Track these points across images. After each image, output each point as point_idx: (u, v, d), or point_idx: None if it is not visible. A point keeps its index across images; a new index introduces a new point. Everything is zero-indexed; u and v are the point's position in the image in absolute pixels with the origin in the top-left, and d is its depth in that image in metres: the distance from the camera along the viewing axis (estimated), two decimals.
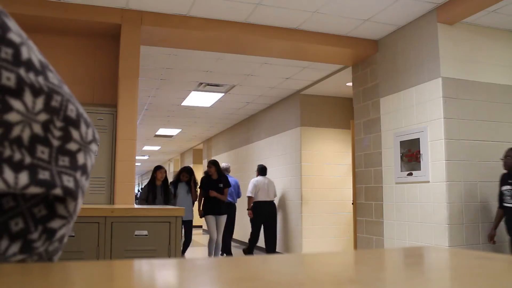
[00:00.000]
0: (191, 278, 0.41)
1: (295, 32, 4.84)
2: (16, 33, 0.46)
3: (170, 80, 6.70)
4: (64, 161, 0.48)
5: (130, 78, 4.32)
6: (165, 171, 6.29)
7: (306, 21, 4.61)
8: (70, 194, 0.48)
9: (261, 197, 7.28)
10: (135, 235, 2.63)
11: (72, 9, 4.15)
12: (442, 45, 4.29)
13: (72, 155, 0.49)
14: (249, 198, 7.36)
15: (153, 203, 6.05)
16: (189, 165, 7.15)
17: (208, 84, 6.98)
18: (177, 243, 2.72)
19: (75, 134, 0.49)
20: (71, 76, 4.50)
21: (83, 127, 0.51)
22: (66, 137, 0.48)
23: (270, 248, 7.34)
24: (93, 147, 0.53)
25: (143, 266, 0.48)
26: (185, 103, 8.19)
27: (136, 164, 6.04)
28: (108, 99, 4.51)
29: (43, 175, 0.45)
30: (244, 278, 0.40)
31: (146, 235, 2.65)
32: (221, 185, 6.71)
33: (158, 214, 2.79)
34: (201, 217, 6.79)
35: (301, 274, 0.45)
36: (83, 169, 0.50)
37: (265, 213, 7.28)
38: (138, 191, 15.04)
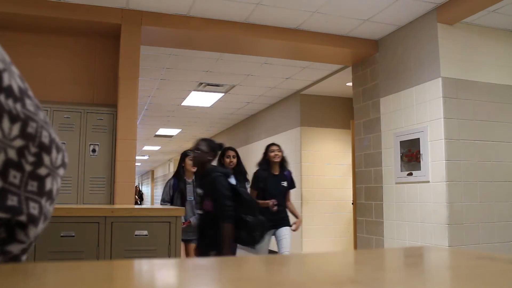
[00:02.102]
0: (191, 278, 0.41)
1: (295, 32, 4.84)
2: (0, 59, 0.47)
3: (170, 80, 6.69)
4: (33, 186, 0.49)
5: (130, 78, 4.32)
6: None
7: (306, 21, 4.61)
8: (33, 222, 0.50)
9: None
10: (135, 235, 2.63)
11: (72, 9, 4.14)
12: (442, 45, 4.29)
13: (41, 180, 0.50)
14: None
15: (182, 206, 4.15)
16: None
17: (208, 84, 6.98)
18: (177, 243, 2.72)
19: (46, 159, 0.51)
20: (71, 76, 4.50)
21: (54, 153, 0.52)
22: (38, 163, 0.50)
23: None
24: (61, 171, 0.54)
25: (143, 266, 0.48)
26: (185, 103, 8.19)
27: (136, 164, 6.03)
28: (108, 99, 4.51)
29: (12, 200, 0.47)
30: (244, 278, 0.40)
31: (146, 235, 2.65)
32: (285, 184, 4.42)
33: (158, 214, 2.79)
34: None
35: (301, 274, 0.45)
36: (49, 194, 0.52)
37: None
38: (137, 187, 14.77)
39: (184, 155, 4.40)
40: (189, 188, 4.30)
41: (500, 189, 4.35)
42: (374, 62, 5.23)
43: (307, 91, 7.34)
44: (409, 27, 4.67)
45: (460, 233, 4.13)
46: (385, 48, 5.06)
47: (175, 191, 4.29)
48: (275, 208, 4.21)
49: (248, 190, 4.36)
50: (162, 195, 4.43)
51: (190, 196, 4.28)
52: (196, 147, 3.38)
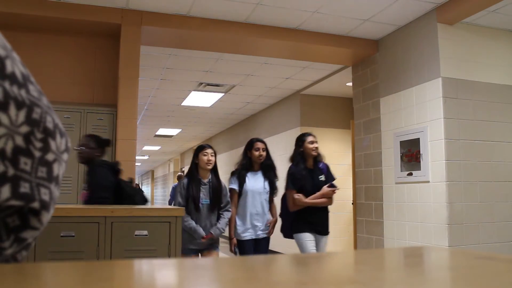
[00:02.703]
0: (191, 278, 0.41)
1: (295, 32, 4.84)
2: (1, 46, 0.47)
3: (170, 80, 6.69)
4: (43, 172, 0.49)
5: (130, 78, 4.32)
6: (214, 153, 3.63)
7: (306, 21, 4.61)
8: (45, 207, 0.50)
9: None
10: (135, 235, 2.63)
11: (72, 9, 4.15)
12: (442, 45, 4.29)
13: (49, 165, 0.50)
14: None
15: (197, 212, 3.48)
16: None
17: (208, 84, 6.99)
18: (177, 243, 2.72)
19: (52, 144, 0.51)
20: (71, 76, 4.50)
21: (58, 137, 0.52)
22: (46, 148, 0.50)
23: None
24: (65, 156, 0.54)
25: (143, 266, 0.48)
26: (185, 103, 8.19)
27: (136, 164, 6.03)
28: (108, 99, 4.51)
29: (24, 188, 0.47)
30: (244, 278, 0.40)
31: (146, 235, 2.65)
32: (322, 178, 3.71)
33: (158, 214, 2.79)
34: (286, 236, 3.88)
35: (301, 274, 0.45)
36: (57, 180, 0.52)
37: None
38: (137, 184, 14.12)
39: (199, 149, 3.63)
40: (205, 190, 3.53)
41: (500, 189, 4.35)
42: (374, 62, 5.23)
43: (307, 91, 7.34)
44: (409, 27, 4.67)
45: (460, 233, 4.13)
46: (385, 48, 5.06)
47: (189, 197, 3.51)
48: (335, 190, 3.65)
49: (277, 190, 3.86)
50: (176, 198, 3.57)
51: (205, 199, 3.52)
52: (82, 144, 3.26)
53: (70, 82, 4.49)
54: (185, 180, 3.59)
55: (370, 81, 5.30)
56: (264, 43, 4.91)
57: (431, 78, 4.35)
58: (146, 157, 18.80)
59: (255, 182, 3.77)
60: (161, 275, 0.43)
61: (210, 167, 3.54)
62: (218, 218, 3.59)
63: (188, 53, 5.45)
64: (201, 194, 3.51)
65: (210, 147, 3.63)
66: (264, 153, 3.83)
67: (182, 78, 6.60)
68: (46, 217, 0.51)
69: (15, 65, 0.48)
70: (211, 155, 3.55)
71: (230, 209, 3.64)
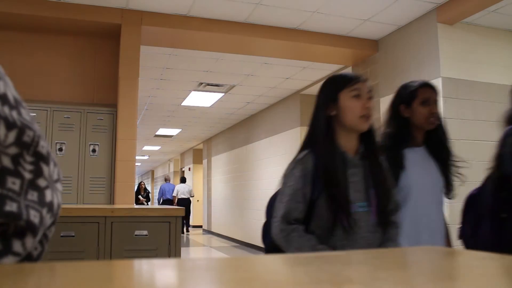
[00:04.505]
0: (191, 278, 0.41)
1: (295, 32, 4.84)
2: None
3: (170, 80, 6.69)
4: (33, 195, 0.49)
5: (130, 78, 4.32)
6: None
7: (306, 21, 4.61)
8: (32, 230, 0.49)
9: (181, 196, 12.51)
10: (135, 235, 2.63)
11: (72, 9, 4.15)
12: (442, 45, 4.29)
13: (41, 191, 0.50)
14: (174, 197, 12.61)
15: (347, 228, 1.47)
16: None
17: (208, 84, 6.99)
18: (177, 243, 2.72)
19: (45, 170, 0.51)
20: (71, 76, 4.50)
21: (51, 165, 0.52)
22: (37, 172, 0.50)
23: (186, 225, 13.17)
24: (59, 186, 0.55)
25: (143, 266, 0.48)
26: (185, 103, 8.19)
27: (136, 164, 6.03)
28: (108, 99, 4.51)
29: (10, 206, 0.46)
30: (244, 278, 0.40)
31: (146, 235, 2.65)
32: None
33: (158, 214, 2.79)
34: (469, 246, 2.12)
35: (301, 274, 0.45)
36: (50, 206, 0.52)
37: (184, 205, 11.66)
38: (142, 183, 13.41)
39: (343, 82, 1.79)
40: (356, 181, 1.57)
41: None
42: (374, 62, 5.23)
43: (307, 91, 7.34)
44: (409, 27, 4.67)
45: None
46: (385, 48, 5.06)
47: (317, 190, 1.52)
48: None
49: (454, 188, 2.14)
50: (283, 203, 1.52)
51: (362, 202, 1.55)
52: None
53: (70, 82, 4.49)
54: (309, 159, 1.57)
55: (370, 81, 5.29)
56: (264, 43, 4.91)
57: (431, 78, 4.35)
58: (146, 157, 18.80)
59: (423, 169, 2.02)
60: (161, 275, 0.43)
61: (366, 126, 1.63)
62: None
63: (188, 53, 5.45)
64: (351, 186, 1.55)
65: (365, 80, 1.78)
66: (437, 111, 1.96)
67: (182, 78, 6.60)
68: (31, 242, 0.50)
69: (8, 88, 0.48)
70: (369, 98, 1.72)
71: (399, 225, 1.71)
